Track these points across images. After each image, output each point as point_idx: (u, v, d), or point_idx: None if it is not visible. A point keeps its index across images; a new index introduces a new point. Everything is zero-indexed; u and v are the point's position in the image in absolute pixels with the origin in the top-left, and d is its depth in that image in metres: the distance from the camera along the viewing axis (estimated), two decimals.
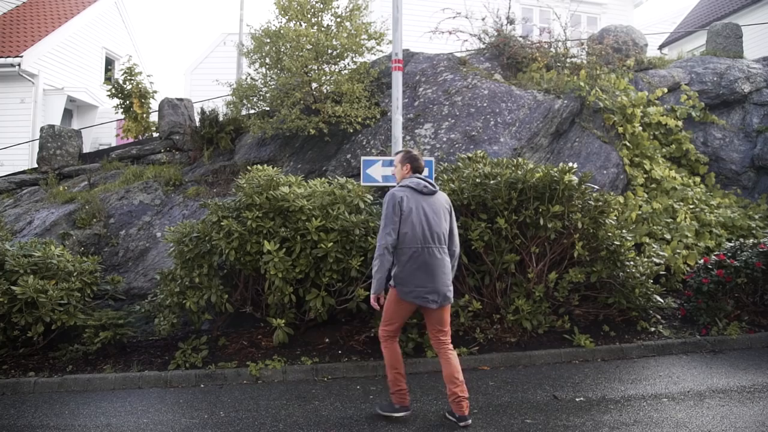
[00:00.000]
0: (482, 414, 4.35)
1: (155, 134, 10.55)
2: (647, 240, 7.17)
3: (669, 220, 7.66)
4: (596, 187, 6.45)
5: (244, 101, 8.93)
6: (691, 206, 7.99)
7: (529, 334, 5.97)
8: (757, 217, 8.13)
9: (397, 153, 4.64)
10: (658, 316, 6.46)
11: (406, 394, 4.29)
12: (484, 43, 10.20)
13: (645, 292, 6.13)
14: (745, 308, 6.46)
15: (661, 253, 6.75)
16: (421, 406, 4.59)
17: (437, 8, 10.81)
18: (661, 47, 18.33)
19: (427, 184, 4.27)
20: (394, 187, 4.36)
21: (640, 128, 8.78)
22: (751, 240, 6.69)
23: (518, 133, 8.21)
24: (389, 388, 4.34)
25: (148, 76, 10.62)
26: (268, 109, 8.98)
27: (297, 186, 6.10)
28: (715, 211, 8.07)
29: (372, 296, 4.18)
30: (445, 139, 8.08)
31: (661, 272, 6.68)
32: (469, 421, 4.11)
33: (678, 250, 7.25)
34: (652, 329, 6.21)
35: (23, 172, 10.35)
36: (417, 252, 4.09)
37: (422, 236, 4.10)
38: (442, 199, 4.37)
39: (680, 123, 9.12)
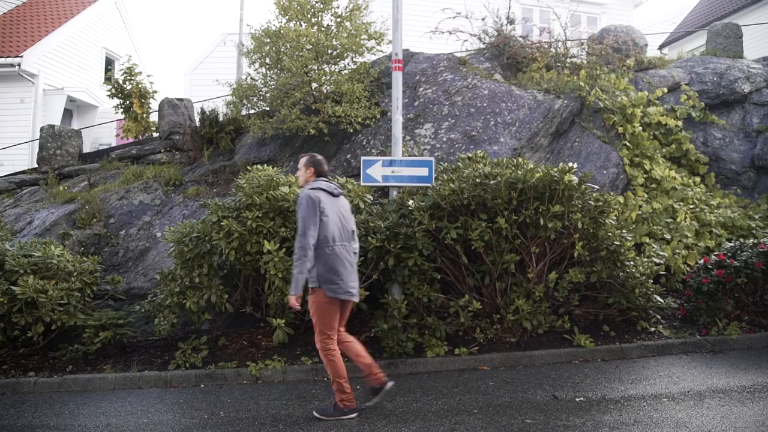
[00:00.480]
0: (482, 414, 4.35)
1: (155, 134, 10.55)
2: (647, 240, 7.17)
3: (669, 220, 7.66)
4: (596, 187, 6.45)
5: (244, 101, 8.93)
6: (691, 206, 7.99)
7: (529, 334, 5.97)
8: (757, 217, 8.13)
9: (301, 156, 4.71)
10: (658, 316, 6.46)
11: (353, 397, 4.40)
12: (484, 43, 10.20)
13: (645, 292, 6.13)
14: (745, 308, 6.45)
15: (661, 253, 6.75)
16: (421, 406, 4.59)
17: (437, 8, 10.81)
18: (661, 47, 18.33)
19: (336, 187, 4.57)
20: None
21: (640, 128, 8.78)
22: (751, 240, 6.69)
23: (518, 133, 8.22)
24: (335, 395, 4.36)
25: (148, 76, 10.62)
26: (268, 109, 8.98)
27: (297, 186, 6.10)
28: (715, 211, 8.07)
29: (293, 297, 4.17)
30: (445, 139, 8.08)
31: (661, 272, 6.68)
32: (392, 382, 4.33)
33: (678, 250, 7.25)
34: (652, 329, 6.21)
35: (23, 172, 10.35)
36: (340, 250, 4.31)
37: (341, 235, 4.37)
38: (346, 201, 4.71)
39: (680, 123, 9.11)
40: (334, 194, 4.46)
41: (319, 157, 4.62)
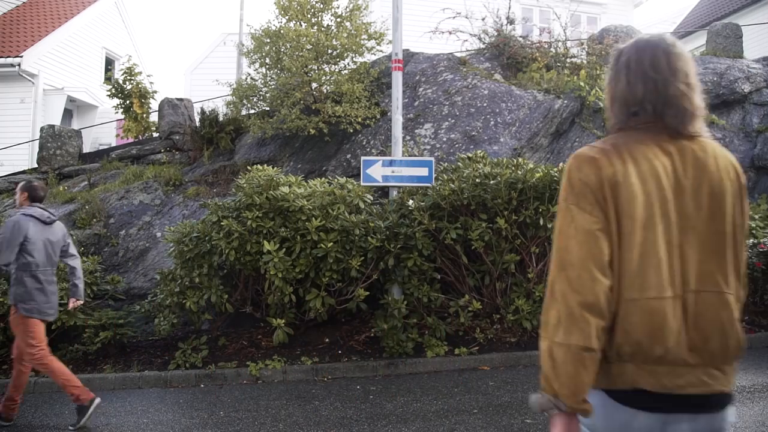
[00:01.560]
0: (482, 414, 4.35)
1: (155, 134, 10.54)
2: None
3: None
4: None
5: (244, 101, 8.93)
6: None
7: (529, 334, 5.97)
8: (757, 217, 8.11)
9: (20, 181, 4.90)
10: None
11: (88, 390, 4.49)
12: (484, 43, 10.20)
13: None
14: (744, 308, 6.45)
15: None
16: (421, 406, 4.59)
17: (437, 8, 10.80)
18: None
19: (50, 215, 4.70)
20: (21, 212, 4.59)
21: None
22: (751, 240, 6.69)
23: (518, 133, 8.21)
24: (73, 398, 4.39)
25: (148, 76, 10.62)
26: (268, 109, 8.98)
27: (297, 186, 6.10)
28: None
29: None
30: (445, 139, 8.07)
31: None
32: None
33: None
34: None
35: (23, 172, 10.35)
36: (42, 276, 4.51)
37: (45, 261, 4.55)
38: (59, 227, 4.81)
39: None
40: (46, 222, 4.60)
41: (36, 183, 4.81)
